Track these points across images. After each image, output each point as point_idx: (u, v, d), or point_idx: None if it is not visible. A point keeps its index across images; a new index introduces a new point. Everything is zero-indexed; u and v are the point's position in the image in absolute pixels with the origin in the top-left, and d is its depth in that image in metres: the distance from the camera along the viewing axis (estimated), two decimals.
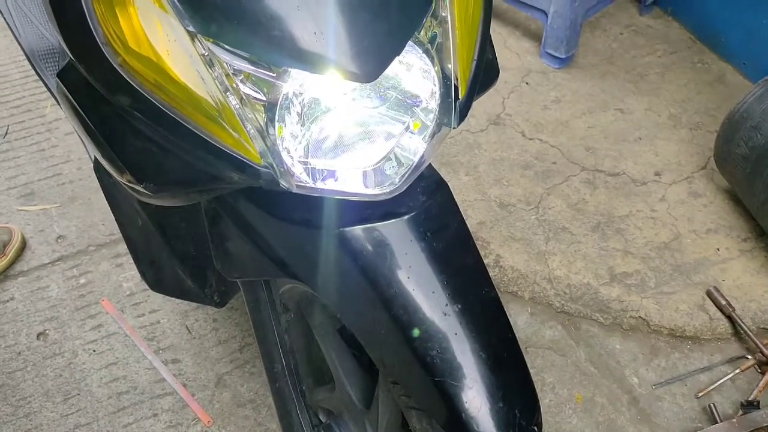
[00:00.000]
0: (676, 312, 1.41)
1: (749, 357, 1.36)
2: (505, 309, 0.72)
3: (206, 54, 0.59)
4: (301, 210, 0.71)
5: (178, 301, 1.50)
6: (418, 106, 0.68)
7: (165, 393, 1.36)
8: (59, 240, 1.62)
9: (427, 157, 0.70)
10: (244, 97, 0.61)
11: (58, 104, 0.83)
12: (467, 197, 1.59)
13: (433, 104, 0.68)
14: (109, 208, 1.08)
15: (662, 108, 1.82)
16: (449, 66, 0.68)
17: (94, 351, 1.43)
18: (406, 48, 0.64)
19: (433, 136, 0.70)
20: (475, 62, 0.71)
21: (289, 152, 0.64)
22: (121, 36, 0.60)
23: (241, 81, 0.61)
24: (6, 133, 1.85)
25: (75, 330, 1.46)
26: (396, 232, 0.69)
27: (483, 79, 0.75)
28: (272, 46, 0.57)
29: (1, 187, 1.73)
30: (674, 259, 1.49)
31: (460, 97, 0.69)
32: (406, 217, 0.69)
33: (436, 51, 0.67)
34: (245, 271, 0.83)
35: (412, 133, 0.69)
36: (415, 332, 0.66)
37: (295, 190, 0.65)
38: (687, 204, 1.59)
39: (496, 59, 0.80)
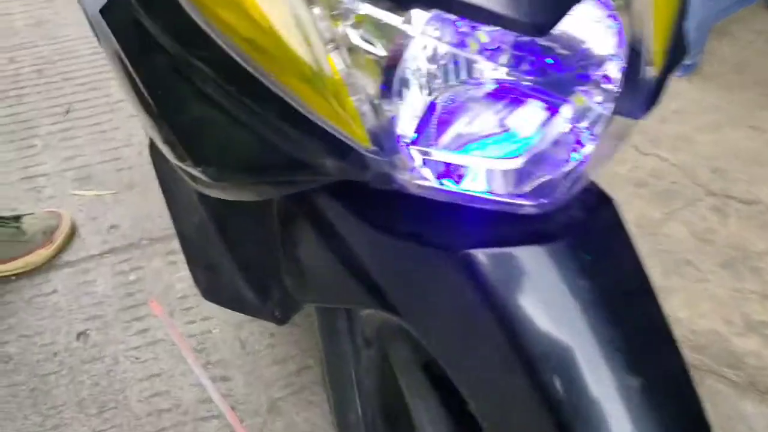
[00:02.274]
0: None
1: None
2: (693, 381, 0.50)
3: None
4: (411, 221, 0.51)
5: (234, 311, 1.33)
6: (587, 82, 0.48)
7: (211, 416, 1.19)
8: (111, 230, 1.48)
9: (596, 159, 0.49)
10: (354, 50, 0.41)
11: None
12: None
13: (615, 80, 0.48)
14: None
15: None
16: (641, 28, 0.48)
17: (137, 359, 1.27)
18: None
19: (607, 129, 0.49)
20: (675, 26, 0.50)
21: (406, 138, 0.44)
22: None
23: (352, 26, 0.41)
24: (68, 111, 1.73)
25: (119, 332, 1.31)
26: (544, 262, 0.48)
27: (674, 57, 0.54)
28: None
29: (56, 168, 1.60)
30: None
31: (652, 73, 0.48)
32: (558, 242, 0.49)
33: (626, 5, 0.47)
34: (324, 295, 0.64)
35: (577, 123, 0.49)
36: (567, 412, 0.45)
37: (413, 191, 0.45)
38: None
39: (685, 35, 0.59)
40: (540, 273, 0.48)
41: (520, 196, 0.47)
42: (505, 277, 0.48)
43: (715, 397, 1.19)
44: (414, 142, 0.45)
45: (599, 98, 0.48)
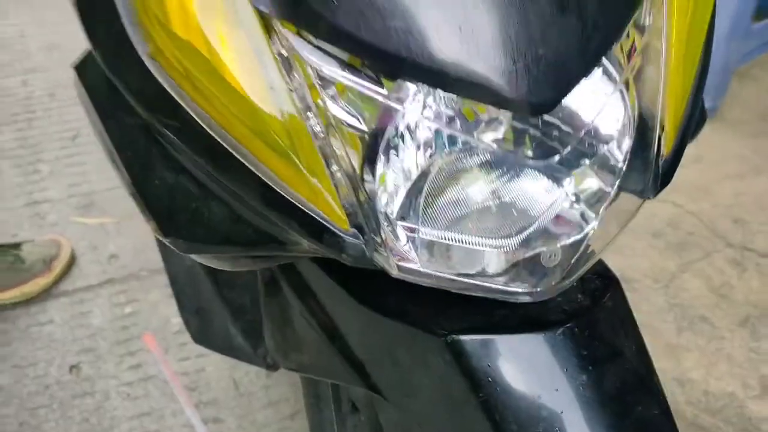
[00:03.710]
0: None
1: None
2: None
3: (284, 51, 0.37)
4: (396, 296, 0.47)
5: None
6: (590, 157, 0.44)
7: None
8: (111, 259, 1.46)
9: (599, 240, 0.45)
10: (333, 122, 0.38)
11: None
12: None
13: (619, 157, 0.44)
14: None
15: None
16: (653, 103, 0.44)
17: (129, 395, 1.23)
18: (596, 69, 0.40)
19: (610, 207, 0.45)
20: (690, 101, 0.46)
21: (390, 214, 0.41)
22: (160, 13, 0.39)
23: (332, 97, 0.38)
24: (76, 137, 1.72)
25: (111, 367, 1.27)
26: (540, 352, 0.44)
27: (693, 129, 0.50)
28: (389, 42, 0.34)
29: (61, 195, 1.58)
30: None
31: (664, 151, 0.44)
32: (557, 330, 0.45)
33: (635, 79, 0.43)
34: (305, 366, 0.60)
35: (577, 202, 0.45)
36: None
37: (394, 274, 0.41)
38: None
39: (703, 103, 0.55)
40: (533, 363, 0.44)
41: (514, 281, 0.43)
42: (495, 365, 0.44)
43: None
44: (399, 219, 0.41)
45: (604, 175, 0.45)
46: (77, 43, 1.70)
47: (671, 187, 1.24)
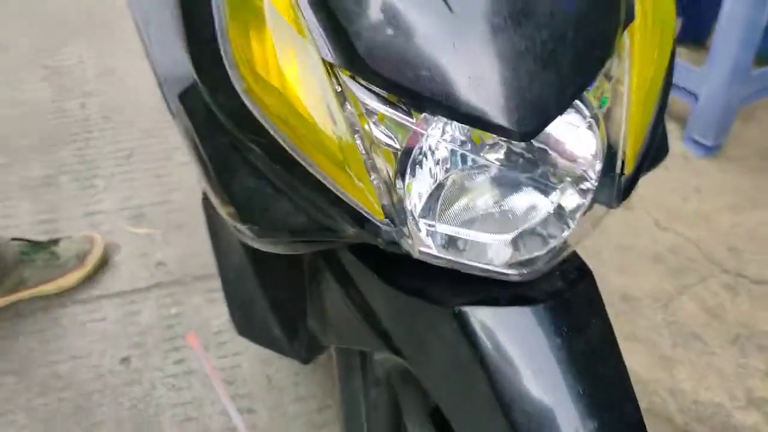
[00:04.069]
0: None
1: None
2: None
3: (340, 89, 0.52)
4: (416, 279, 0.61)
5: (263, 348, 1.43)
6: (571, 176, 0.58)
7: None
8: (158, 266, 1.61)
9: (574, 238, 0.59)
10: (375, 142, 0.52)
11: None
12: None
13: (592, 177, 0.57)
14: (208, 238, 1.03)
15: None
16: (617, 135, 0.58)
17: (173, 386, 1.37)
18: (570, 109, 0.54)
19: (585, 214, 0.59)
20: (648, 134, 0.59)
21: (415, 212, 0.55)
22: (250, 59, 0.54)
23: (375, 123, 0.52)
24: (129, 156, 1.89)
25: (158, 360, 1.42)
26: (527, 322, 0.57)
27: (653, 156, 0.63)
28: (417, 86, 0.48)
29: (115, 206, 1.75)
30: None
31: (625, 172, 0.58)
32: (540, 305, 0.58)
33: (604, 116, 0.57)
34: (342, 338, 0.74)
35: (560, 209, 0.58)
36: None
37: (416, 256, 0.55)
38: None
39: (666, 134, 0.68)
40: (521, 331, 0.57)
41: (509, 266, 0.57)
42: (491, 332, 0.57)
43: None
44: (421, 217, 0.55)
45: (580, 190, 0.58)
46: (130, 70, 1.91)
47: (673, 217, 1.36)
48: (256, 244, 0.64)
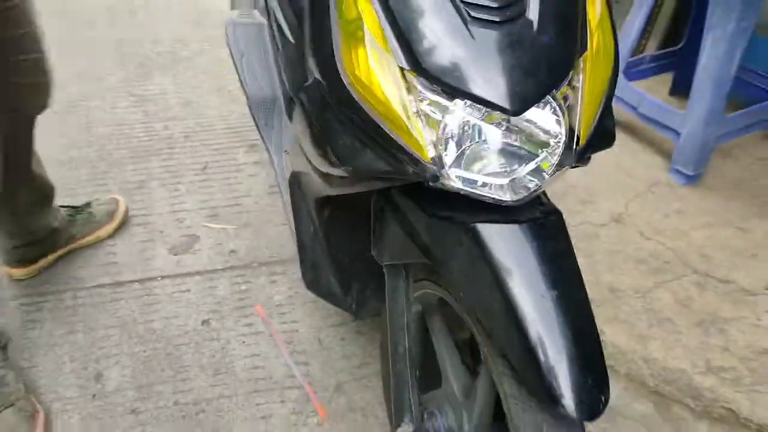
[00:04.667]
0: (767, 409, 1.48)
1: None
2: (588, 297, 0.91)
3: (406, 83, 0.88)
4: (446, 208, 0.95)
5: (316, 316, 1.77)
6: (548, 146, 0.92)
7: (293, 386, 1.61)
8: (231, 253, 1.97)
9: (547, 183, 0.93)
10: (428, 113, 0.88)
11: (288, 117, 1.17)
12: None
13: (559, 146, 0.92)
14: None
15: None
16: (575, 122, 0.93)
17: (244, 342, 1.71)
18: (546, 101, 0.89)
19: (554, 169, 0.93)
20: (595, 123, 0.94)
21: (447, 159, 0.90)
22: (351, 65, 0.90)
23: (428, 105, 0.88)
24: (205, 167, 2.27)
25: (231, 323, 1.76)
26: (515, 235, 0.91)
27: (600, 140, 0.98)
28: (454, 82, 0.84)
29: (195, 206, 2.12)
30: None
31: (579, 145, 0.93)
32: (525, 224, 0.92)
33: (567, 108, 0.92)
34: (394, 255, 1.08)
35: (538, 167, 0.93)
36: (521, 309, 0.87)
37: (448, 188, 0.90)
38: None
39: (614, 128, 1.03)
40: (512, 240, 0.90)
41: (507, 194, 0.91)
42: (493, 240, 0.91)
43: (678, 421, 1.53)
44: (451, 166, 0.90)
45: (552, 155, 0.93)
46: (207, 102, 2.34)
47: (656, 230, 1.71)
48: (346, 187, 0.99)
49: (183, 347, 1.70)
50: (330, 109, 0.96)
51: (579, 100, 0.92)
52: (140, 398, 1.57)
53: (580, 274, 0.93)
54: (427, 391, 1.24)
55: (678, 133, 2.07)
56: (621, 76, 2.23)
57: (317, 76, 0.96)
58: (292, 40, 1.51)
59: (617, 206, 2.03)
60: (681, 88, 2.42)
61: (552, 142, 0.92)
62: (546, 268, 0.90)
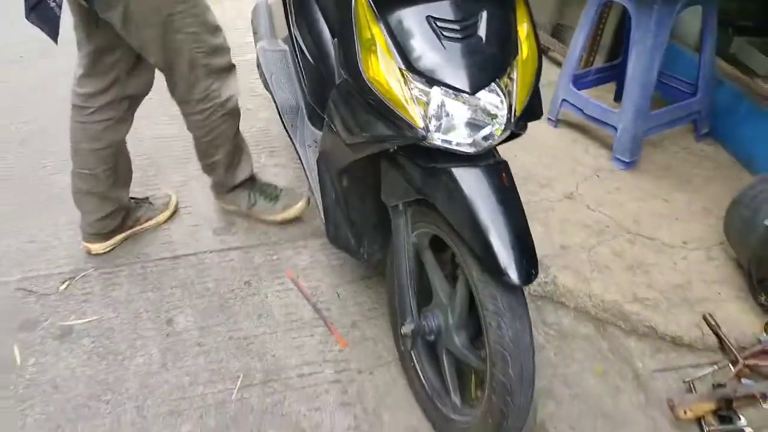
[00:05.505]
0: (678, 326, 1.97)
1: (727, 362, 1.89)
2: (524, 211, 1.40)
3: (404, 78, 1.38)
4: (431, 160, 1.44)
5: (333, 276, 2.26)
6: (496, 117, 1.43)
7: (318, 325, 2.09)
8: (262, 234, 2.45)
9: (497, 140, 1.43)
10: (418, 96, 1.38)
11: (309, 124, 1.68)
12: (537, 239, 2.26)
13: (503, 118, 1.42)
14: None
15: (699, 202, 2.44)
16: (513, 101, 1.44)
17: (279, 296, 2.19)
18: (493, 86, 1.39)
19: (500, 133, 1.44)
20: (526, 103, 1.45)
21: (431, 126, 1.40)
22: (369, 68, 1.41)
23: (417, 91, 1.38)
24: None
25: (268, 283, 2.24)
26: (477, 173, 1.39)
27: (531, 114, 1.49)
28: (434, 75, 1.35)
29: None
30: (684, 295, 2.07)
31: (515, 116, 1.43)
32: (483, 167, 1.41)
33: (507, 92, 1.43)
34: (398, 197, 1.58)
35: (492, 129, 1.43)
36: (481, 218, 1.36)
37: (433, 146, 1.39)
38: (703, 263, 2.18)
39: (541, 107, 1.53)
40: (475, 177, 1.40)
41: (471, 147, 1.40)
42: (466, 175, 1.40)
43: (611, 337, 2.02)
44: (434, 131, 1.40)
45: (499, 123, 1.43)
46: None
47: (599, 203, 2.30)
48: (364, 148, 1.50)
49: (231, 300, 2.18)
50: (354, 97, 1.46)
51: (514, 87, 1.43)
52: (203, 335, 2.05)
53: (519, 198, 1.43)
54: (421, 308, 1.73)
55: (616, 128, 2.59)
56: (570, 84, 2.76)
57: (346, 76, 1.47)
58: (312, 62, 2.05)
59: (569, 187, 2.54)
60: (622, 95, 2.95)
61: (498, 114, 1.42)
62: (496, 193, 1.39)
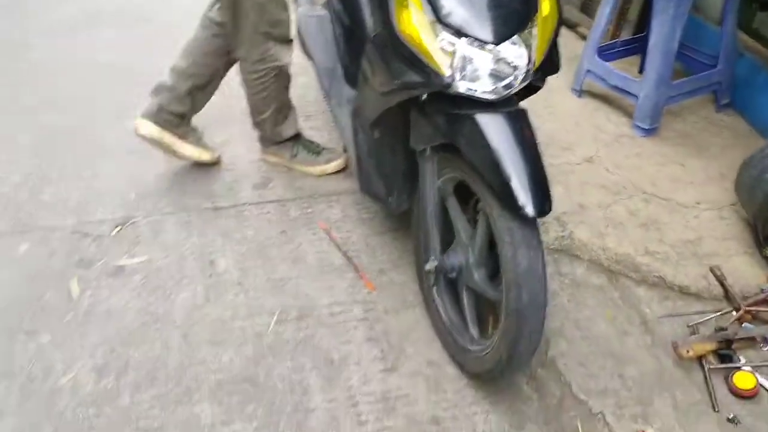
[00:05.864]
0: (685, 277, 2.09)
1: (730, 309, 2.01)
2: (540, 153, 1.54)
3: (434, 30, 1.53)
4: (456, 107, 1.58)
5: (363, 228, 2.42)
6: (517, 69, 1.56)
7: (348, 270, 2.25)
8: (298, 189, 2.62)
9: (516, 89, 1.57)
10: (446, 47, 1.52)
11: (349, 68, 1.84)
12: (557, 198, 2.39)
13: (523, 69, 1.56)
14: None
15: (715, 168, 2.55)
16: (533, 54, 1.57)
17: (312, 244, 2.36)
18: (515, 39, 1.53)
19: (520, 83, 1.57)
20: (545, 57, 1.58)
21: (457, 75, 1.54)
22: (402, 21, 1.55)
23: (446, 42, 1.52)
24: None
25: (302, 232, 2.41)
26: (498, 118, 1.54)
27: (549, 68, 1.62)
28: (461, 28, 1.49)
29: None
30: (694, 249, 2.18)
31: (534, 68, 1.57)
32: (503, 113, 1.55)
33: (527, 45, 1.56)
34: (425, 141, 1.73)
35: (512, 79, 1.57)
36: (501, 158, 1.50)
37: (458, 93, 1.54)
38: (714, 222, 2.29)
39: (560, 61, 1.67)
40: (497, 122, 1.53)
41: (494, 94, 1.54)
42: (488, 120, 1.54)
43: (622, 287, 2.15)
44: (459, 79, 1.54)
45: (519, 74, 1.57)
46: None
47: (618, 167, 2.45)
48: (394, 98, 1.65)
49: (269, 247, 2.35)
50: (388, 49, 1.61)
51: (534, 41, 1.57)
52: (242, 276, 2.23)
53: (536, 141, 1.57)
54: (445, 251, 1.88)
55: (637, 97, 2.70)
56: (594, 55, 2.87)
57: (381, 29, 1.62)
58: (348, 23, 2.20)
59: (590, 152, 2.66)
60: (641, 64, 3.05)
61: (519, 65, 1.55)
62: (515, 136, 1.53)
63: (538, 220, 1.53)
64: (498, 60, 1.53)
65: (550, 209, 1.50)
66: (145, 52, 3.50)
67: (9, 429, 1.76)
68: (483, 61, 1.52)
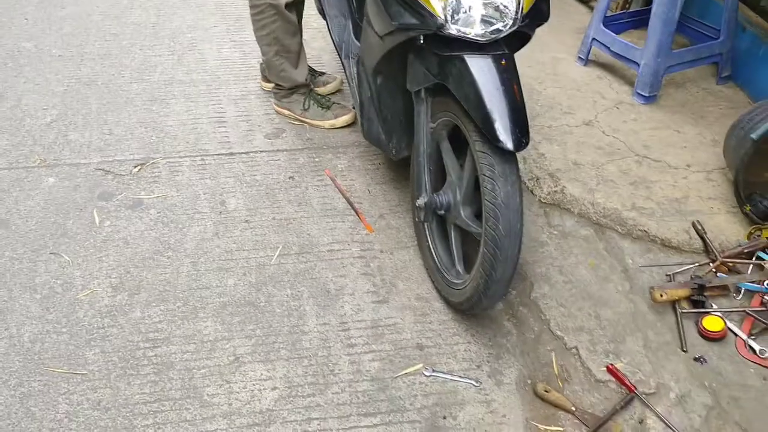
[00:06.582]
0: (668, 231, 2.20)
1: (708, 261, 2.11)
2: (522, 93, 1.66)
3: None
4: (447, 49, 1.71)
5: (366, 177, 2.55)
6: (506, 14, 1.68)
7: (350, 214, 2.39)
8: (308, 140, 2.77)
9: (504, 33, 1.68)
10: None
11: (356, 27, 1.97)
12: (553, 156, 2.51)
13: (512, 13, 1.67)
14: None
15: (709, 134, 2.63)
16: (521, 4, 1.68)
17: (317, 190, 2.51)
18: None
19: (508, 29, 1.69)
20: (533, 4, 1.70)
21: (449, 18, 1.66)
22: None
23: None
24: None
25: (309, 179, 2.56)
26: (486, 59, 1.66)
27: (537, 15, 1.73)
28: None
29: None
30: (679, 206, 2.28)
31: (522, 14, 1.68)
32: (491, 55, 1.67)
33: None
34: (419, 82, 1.86)
35: (501, 24, 1.68)
36: (486, 96, 1.62)
37: (451, 36, 1.66)
38: (702, 183, 2.38)
39: (548, 11, 1.78)
40: (485, 64, 1.66)
41: (484, 36, 1.66)
42: (474, 64, 1.66)
43: (608, 239, 2.26)
44: (452, 23, 1.66)
45: (508, 20, 1.68)
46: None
47: (614, 130, 2.61)
48: (392, 41, 1.77)
49: (276, 190, 2.50)
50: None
51: None
52: (249, 215, 2.38)
53: (519, 82, 1.68)
54: (436, 190, 2.01)
55: (638, 64, 2.79)
56: (600, 23, 2.96)
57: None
58: None
59: (589, 116, 2.76)
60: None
61: (508, 11, 1.67)
62: (499, 76, 1.66)
63: (518, 154, 1.65)
64: (488, 4, 1.64)
65: (527, 144, 1.62)
66: (168, 12, 3.66)
67: (31, 333, 1.93)
68: (474, 4, 1.64)
